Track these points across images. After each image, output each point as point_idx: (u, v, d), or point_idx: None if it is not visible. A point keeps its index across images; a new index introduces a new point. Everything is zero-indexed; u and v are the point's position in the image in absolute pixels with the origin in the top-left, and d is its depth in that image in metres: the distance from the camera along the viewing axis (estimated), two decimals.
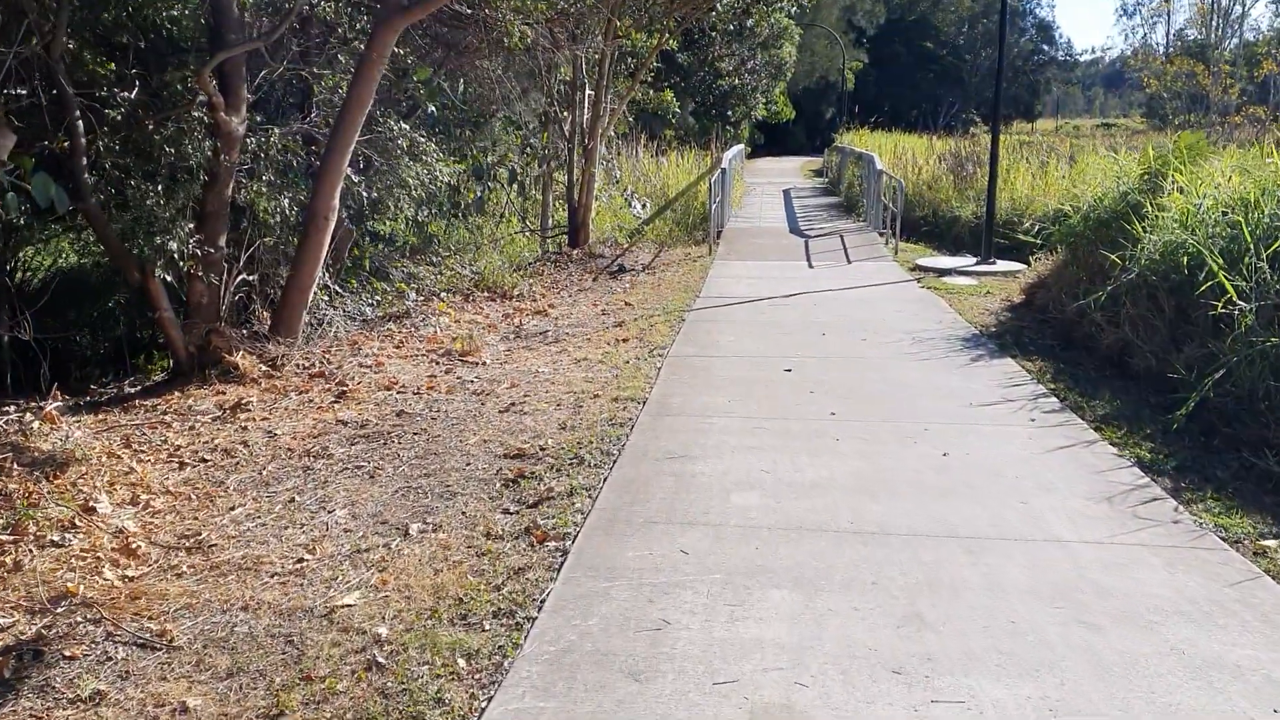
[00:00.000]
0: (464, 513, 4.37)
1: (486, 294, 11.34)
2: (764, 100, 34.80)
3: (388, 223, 11.32)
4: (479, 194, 13.26)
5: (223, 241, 7.29)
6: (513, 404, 6.25)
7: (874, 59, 53.78)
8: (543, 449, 5.23)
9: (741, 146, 28.76)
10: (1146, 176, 8.31)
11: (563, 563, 3.88)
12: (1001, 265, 12.20)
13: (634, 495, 4.51)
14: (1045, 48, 63.11)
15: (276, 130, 7.65)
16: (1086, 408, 6.00)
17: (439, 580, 3.77)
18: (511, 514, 4.35)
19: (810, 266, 12.74)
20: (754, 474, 4.80)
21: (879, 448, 5.22)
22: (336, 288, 9.37)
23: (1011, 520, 4.25)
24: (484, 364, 7.55)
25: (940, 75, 55.89)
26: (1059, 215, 11.03)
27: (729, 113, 35.28)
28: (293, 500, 4.65)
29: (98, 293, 9.36)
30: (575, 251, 14.89)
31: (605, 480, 4.73)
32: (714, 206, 14.74)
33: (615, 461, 5.00)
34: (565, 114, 15.39)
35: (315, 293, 8.72)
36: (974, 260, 12.45)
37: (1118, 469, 4.89)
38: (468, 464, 5.06)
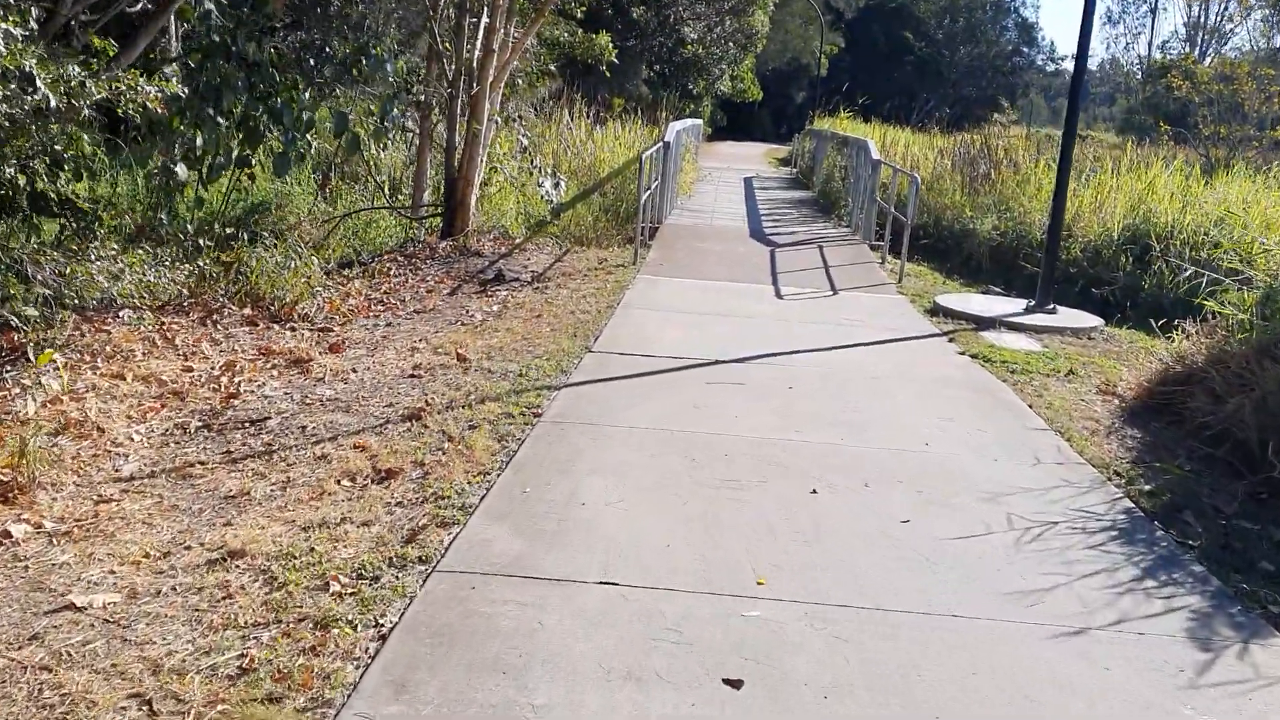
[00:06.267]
0: None
1: (251, 311, 6.82)
2: (730, 72, 30.43)
3: (72, 181, 6.69)
4: (286, 146, 8.65)
5: None
6: None
7: (850, 44, 49.61)
8: None
9: (698, 121, 24.28)
10: None
11: None
12: (1065, 316, 8.04)
13: None
14: (1025, 49, 59.63)
15: None
16: None
17: None
18: None
19: (779, 296, 8.42)
20: None
21: None
22: None
23: None
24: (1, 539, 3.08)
25: (917, 68, 51.92)
26: (1135, 237, 6.91)
27: (689, 85, 30.90)
28: None
29: None
30: (445, 243, 10.34)
31: None
32: (646, 195, 10.30)
33: None
34: (449, 48, 10.81)
35: None
36: (1023, 305, 8.25)
37: None
38: None
